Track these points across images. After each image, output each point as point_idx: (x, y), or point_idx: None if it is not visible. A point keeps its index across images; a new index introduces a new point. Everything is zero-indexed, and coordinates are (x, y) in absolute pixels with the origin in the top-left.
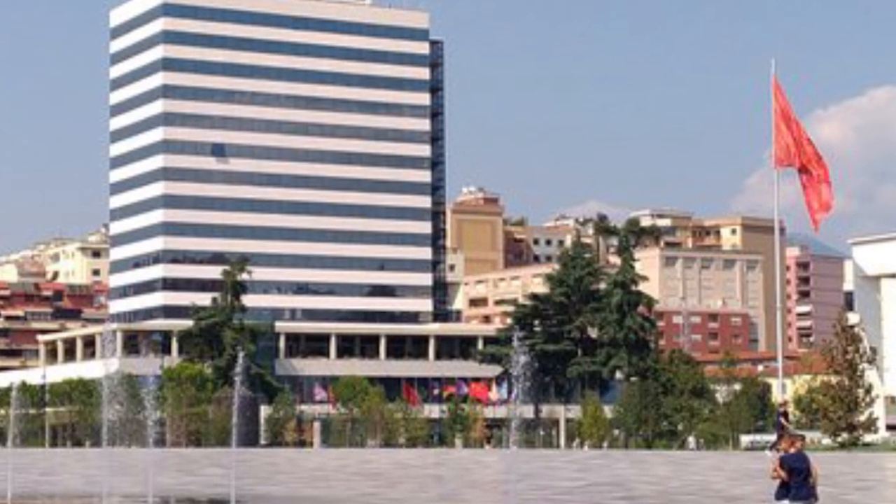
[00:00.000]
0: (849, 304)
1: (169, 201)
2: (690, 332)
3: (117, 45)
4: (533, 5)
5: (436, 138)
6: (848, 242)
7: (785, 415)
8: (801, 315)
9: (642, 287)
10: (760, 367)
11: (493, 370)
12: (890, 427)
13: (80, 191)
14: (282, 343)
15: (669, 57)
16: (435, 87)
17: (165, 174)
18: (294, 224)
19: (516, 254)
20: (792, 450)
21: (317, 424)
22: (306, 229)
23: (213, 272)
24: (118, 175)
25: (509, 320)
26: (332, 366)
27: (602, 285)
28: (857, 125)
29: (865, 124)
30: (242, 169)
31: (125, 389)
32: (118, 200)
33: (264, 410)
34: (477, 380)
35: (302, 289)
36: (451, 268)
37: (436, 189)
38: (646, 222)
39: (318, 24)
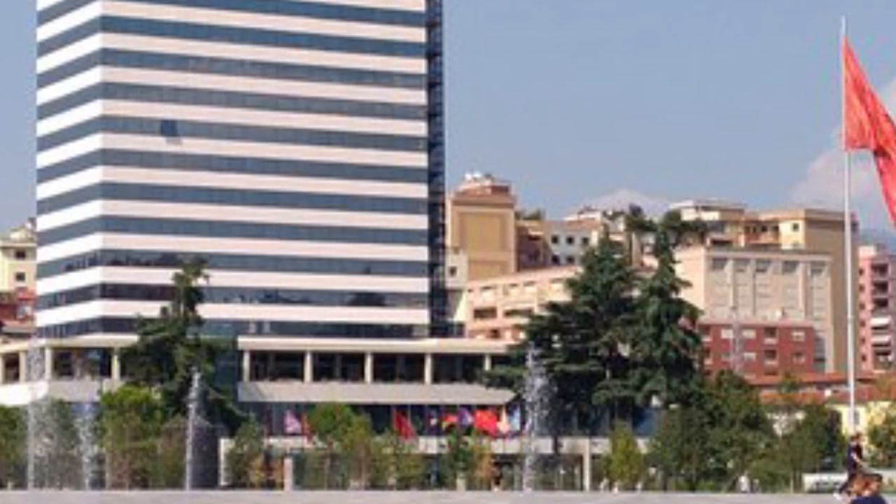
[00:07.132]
0: None
1: (109, 190)
2: (743, 350)
3: (46, 0)
4: None
5: (433, 114)
6: None
7: (857, 450)
8: (876, 329)
9: (684, 295)
10: (828, 392)
11: (503, 396)
12: None
13: (1, 178)
14: (246, 363)
15: (717, 15)
16: (432, 52)
17: (104, 157)
18: (261, 218)
19: (531, 254)
20: (866, 492)
21: (288, 461)
22: (276, 224)
23: (163, 276)
24: (47, 159)
25: (522, 335)
26: (307, 390)
27: (635, 293)
28: None
29: None
30: (198, 151)
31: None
32: (47, 189)
33: (225, 444)
34: (483, 407)
35: (270, 297)
36: (452, 271)
37: (433, 175)
38: (688, 216)
39: None
